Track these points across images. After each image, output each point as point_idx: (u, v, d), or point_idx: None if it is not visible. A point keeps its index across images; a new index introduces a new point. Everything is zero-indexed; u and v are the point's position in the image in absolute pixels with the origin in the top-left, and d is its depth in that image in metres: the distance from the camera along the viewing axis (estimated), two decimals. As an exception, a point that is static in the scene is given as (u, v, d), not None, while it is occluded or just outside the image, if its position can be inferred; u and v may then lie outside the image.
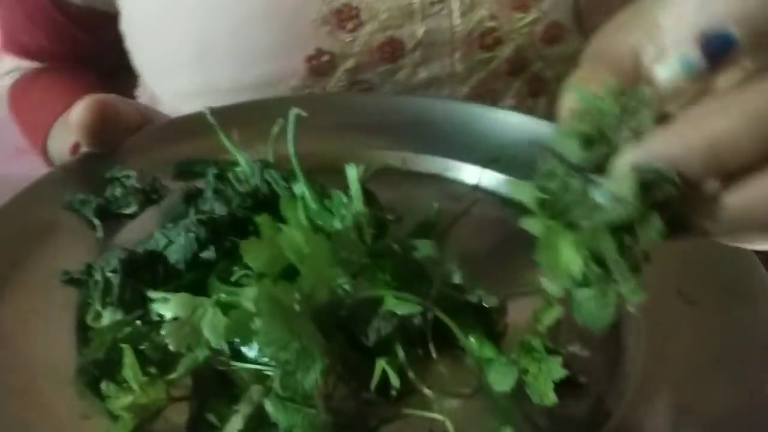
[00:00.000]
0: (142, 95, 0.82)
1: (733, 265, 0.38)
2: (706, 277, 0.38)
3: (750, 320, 0.36)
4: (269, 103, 0.56)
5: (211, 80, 0.60)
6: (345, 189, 0.46)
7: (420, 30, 0.58)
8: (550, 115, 0.62)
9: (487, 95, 0.63)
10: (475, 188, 0.51)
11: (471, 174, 0.52)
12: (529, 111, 0.62)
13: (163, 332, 0.32)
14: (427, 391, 0.33)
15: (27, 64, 0.75)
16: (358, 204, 0.39)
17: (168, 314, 0.34)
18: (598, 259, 0.26)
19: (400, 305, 0.33)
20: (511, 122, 0.54)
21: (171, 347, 0.32)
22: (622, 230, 0.25)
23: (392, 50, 0.59)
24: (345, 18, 0.57)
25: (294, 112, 0.42)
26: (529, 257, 0.39)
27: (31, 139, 0.75)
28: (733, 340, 0.35)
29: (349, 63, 0.59)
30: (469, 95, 0.62)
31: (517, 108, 0.62)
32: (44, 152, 0.71)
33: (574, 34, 0.61)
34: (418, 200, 0.49)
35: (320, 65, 0.58)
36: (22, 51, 0.75)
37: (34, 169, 0.61)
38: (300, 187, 0.41)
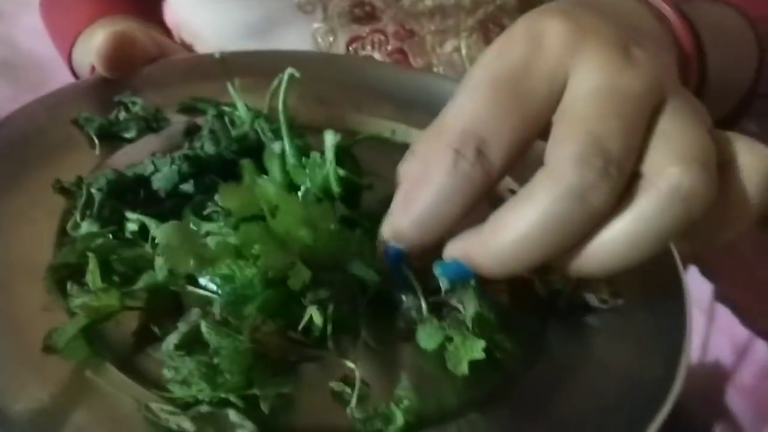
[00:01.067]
0: (169, 12, 0.85)
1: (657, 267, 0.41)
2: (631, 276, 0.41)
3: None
4: (278, 55, 0.59)
5: None
6: (335, 146, 0.50)
7: None
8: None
9: (494, 29, 0.64)
10: None
11: None
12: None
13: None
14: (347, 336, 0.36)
15: None
16: (330, 169, 0.42)
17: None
18: None
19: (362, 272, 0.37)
20: None
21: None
22: None
23: None
24: None
25: (289, 71, 0.45)
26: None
27: (58, 46, 0.79)
28: (640, 341, 0.38)
29: None
30: (475, 28, 0.64)
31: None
32: (70, 61, 0.75)
33: None
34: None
35: None
36: None
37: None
38: (282, 143, 0.44)
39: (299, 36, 0.64)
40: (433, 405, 0.34)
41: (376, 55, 0.65)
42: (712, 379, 1.36)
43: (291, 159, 0.45)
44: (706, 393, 1.39)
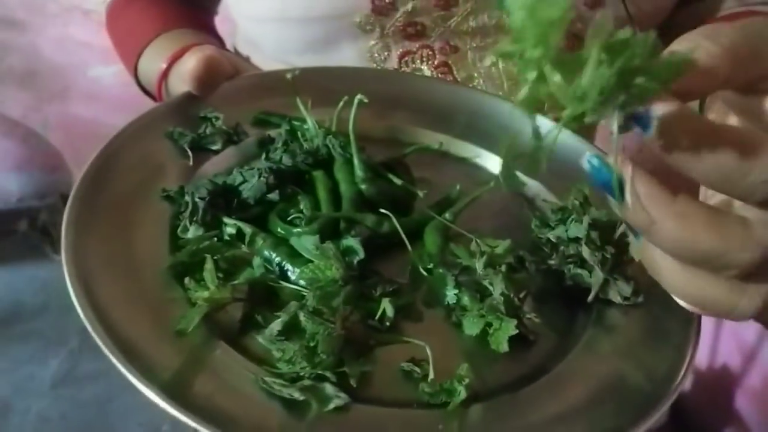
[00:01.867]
0: (221, 23, 0.92)
1: None
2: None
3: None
4: (343, 72, 0.67)
5: (285, 8, 0.69)
6: (390, 158, 0.57)
7: None
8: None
9: None
10: (498, 178, 0.60)
11: (496, 164, 0.62)
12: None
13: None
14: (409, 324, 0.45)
15: None
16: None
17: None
18: None
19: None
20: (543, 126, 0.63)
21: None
22: None
23: None
24: None
25: (359, 98, 0.52)
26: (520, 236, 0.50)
27: (124, 57, 0.86)
28: (655, 333, 0.46)
29: (408, 6, 0.67)
30: None
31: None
32: (135, 71, 0.82)
33: (617, 1, 0.67)
34: (447, 179, 0.59)
35: (382, 5, 0.67)
36: None
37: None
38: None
39: (356, 51, 0.71)
40: (481, 382, 0.41)
41: (424, 68, 0.71)
42: (721, 383, 1.42)
43: (359, 172, 0.53)
44: (714, 397, 1.45)
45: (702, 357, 1.49)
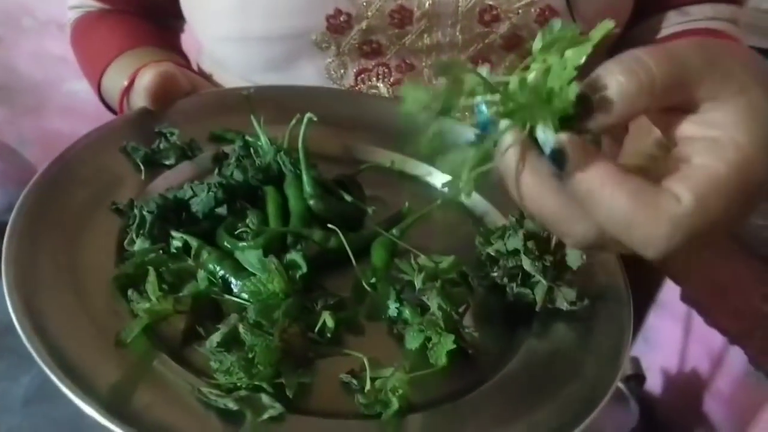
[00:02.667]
0: (187, 41, 0.93)
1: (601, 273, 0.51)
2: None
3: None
4: (298, 91, 0.68)
5: (246, 28, 0.70)
6: (342, 175, 0.58)
7: (427, 2, 0.67)
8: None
9: (482, 64, 0.72)
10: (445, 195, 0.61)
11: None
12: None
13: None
14: (352, 337, 0.46)
15: (92, 3, 0.85)
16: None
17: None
18: None
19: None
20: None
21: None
22: None
23: (401, 17, 0.68)
24: None
25: (308, 116, 0.54)
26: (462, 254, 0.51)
27: (88, 73, 0.87)
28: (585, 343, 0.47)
29: (363, 24, 0.67)
30: (465, 62, 0.71)
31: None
32: (98, 87, 0.83)
33: (566, 18, 0.69)
34: (399, 196, 0.60)
35: (337, 24, 0.67)
36: None
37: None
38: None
39: (314, 69, 0.72)
40: (420, 394, 0.42)
41: (381, 86, 0.73)
42: (691, 387, 1.44)
43: (308, 188, 0.54)
44: (684, 400, 1.48)
45: (672, 362, 1.51)
